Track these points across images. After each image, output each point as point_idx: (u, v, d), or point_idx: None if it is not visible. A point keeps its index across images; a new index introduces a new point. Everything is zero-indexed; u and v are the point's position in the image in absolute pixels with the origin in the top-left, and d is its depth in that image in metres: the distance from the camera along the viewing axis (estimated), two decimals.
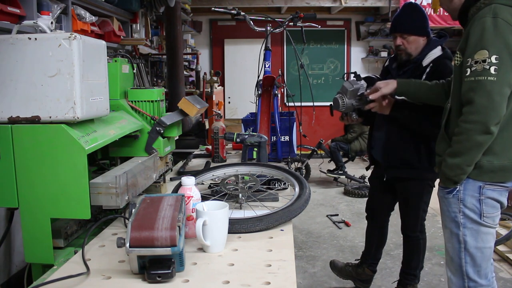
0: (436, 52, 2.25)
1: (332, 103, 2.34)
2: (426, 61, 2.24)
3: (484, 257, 1.72)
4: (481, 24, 1.57)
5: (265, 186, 1.83)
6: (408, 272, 2.68)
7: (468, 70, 1.59)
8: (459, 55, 1.68)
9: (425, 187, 2.43)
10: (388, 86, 2.09)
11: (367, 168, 2.72)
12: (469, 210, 1.70)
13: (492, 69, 1.54)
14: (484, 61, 1.55)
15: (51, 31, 1.35)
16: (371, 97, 2.14)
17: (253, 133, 2.15)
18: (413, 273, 2.67)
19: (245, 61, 7.60)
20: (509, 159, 1.65)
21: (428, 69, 2.21)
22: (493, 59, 1.54)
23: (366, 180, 5.32)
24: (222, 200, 1.46)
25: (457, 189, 1.71)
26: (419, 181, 2.40)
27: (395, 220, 4.57)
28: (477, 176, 1.67)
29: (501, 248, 3.43)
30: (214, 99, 4.39)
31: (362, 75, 2.36)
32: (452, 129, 1.73)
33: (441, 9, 6.25)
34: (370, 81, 2.34)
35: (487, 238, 1.71)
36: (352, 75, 2.33)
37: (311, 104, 2.61)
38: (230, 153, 2.79)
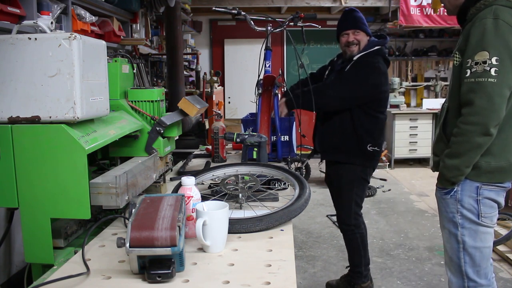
0: (370, 50, 2.45)
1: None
2: (357, 56, 2.45)
3: (483, 257, 1.72)
4: (482, 25, 1.57)
5: (265, 186, 1.83)
6: (353, 270, 2.69)
7: (468, 71, 1.59)
8: (458, 55, 1.67)
9: (356, 178, 2.52)
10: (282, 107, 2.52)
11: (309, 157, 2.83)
12: (467, 210, 1.70)
13: (492, 71, 1.54)
14: (484, 62, 1.54)
15: (51, 31, 1.35)
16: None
17: (253, 133, 2.14)
18: (358, 271, 2.66)
19: (245, 61, 7.61)
20: (506, 160, 1.65)
21: (352, 63, 2.44)
22: (493, 60, 1.53)
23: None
24: (222, 200, 1.46)
25: (455, 189, 1.71)
26: (348, 166, 2.52)
27: (395, 220, 4.57)
28: (475, 176, 1.67)
29: (501, 248, 3.43)
30: (214, 99, 4.39)
31: None
32: (450, 130, 1.72)
33: (441, 9, 6.25)
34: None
35: (485, 237, 1.71)
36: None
37: None
38: (230, 153, 2.78)
